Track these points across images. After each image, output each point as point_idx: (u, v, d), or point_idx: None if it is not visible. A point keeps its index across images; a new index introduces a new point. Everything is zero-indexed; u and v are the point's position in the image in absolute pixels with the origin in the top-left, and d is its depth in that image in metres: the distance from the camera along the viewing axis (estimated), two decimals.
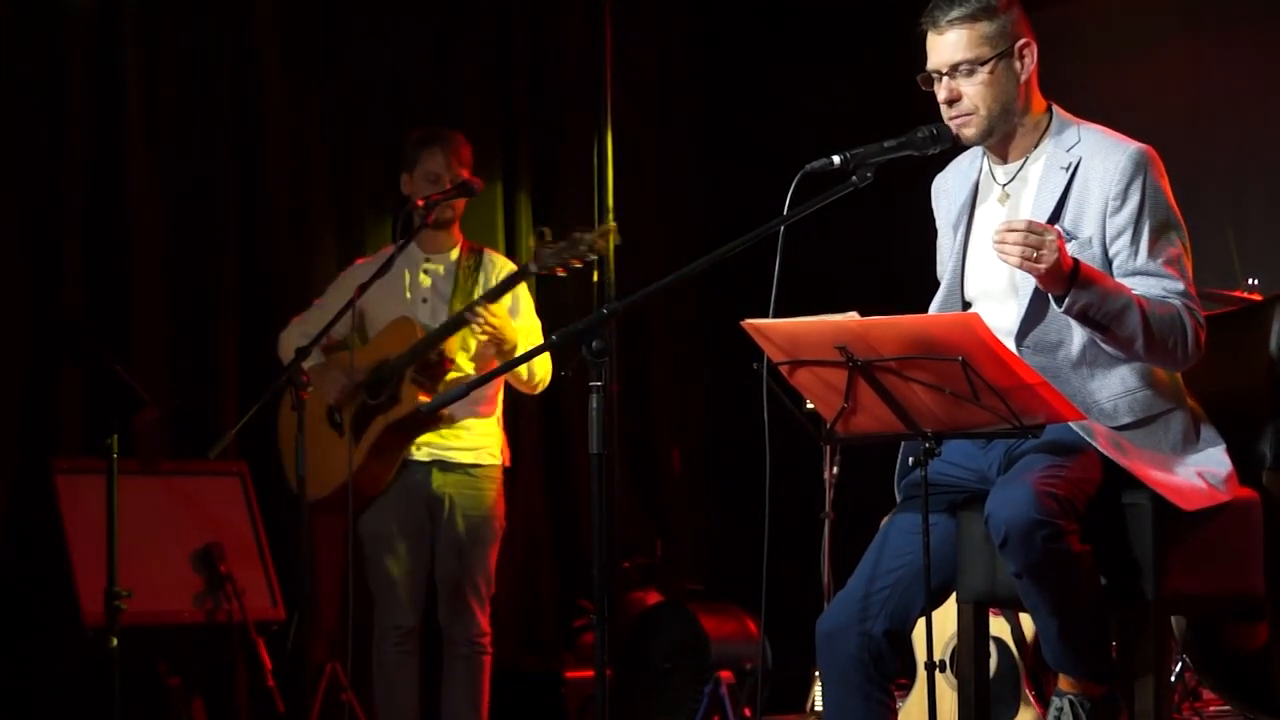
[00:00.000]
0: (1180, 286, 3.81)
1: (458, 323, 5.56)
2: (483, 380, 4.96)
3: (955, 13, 3.86)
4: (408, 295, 5.81)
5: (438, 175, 5.77)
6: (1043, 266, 3.63)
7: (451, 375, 5.66)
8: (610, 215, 7.07)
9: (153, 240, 6.71)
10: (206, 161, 6.87)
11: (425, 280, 5.82)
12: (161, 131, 6.76)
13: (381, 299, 5.76)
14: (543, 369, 5.78)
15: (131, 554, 5.62)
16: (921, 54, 3.94)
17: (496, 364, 5.58)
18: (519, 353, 5.60)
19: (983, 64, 3.87)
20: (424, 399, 5.59)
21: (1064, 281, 3.67)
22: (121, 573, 5.32)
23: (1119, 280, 3.80)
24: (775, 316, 3.70)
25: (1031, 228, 3.64)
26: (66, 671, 6.04)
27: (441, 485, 5.73)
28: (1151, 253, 3.81)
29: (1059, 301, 3.70)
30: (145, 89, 6.72)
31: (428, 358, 5.63)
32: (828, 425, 3.80)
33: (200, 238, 6.83)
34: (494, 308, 5.51)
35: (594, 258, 5.58)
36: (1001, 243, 3.65)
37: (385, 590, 5.77)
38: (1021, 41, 3.90)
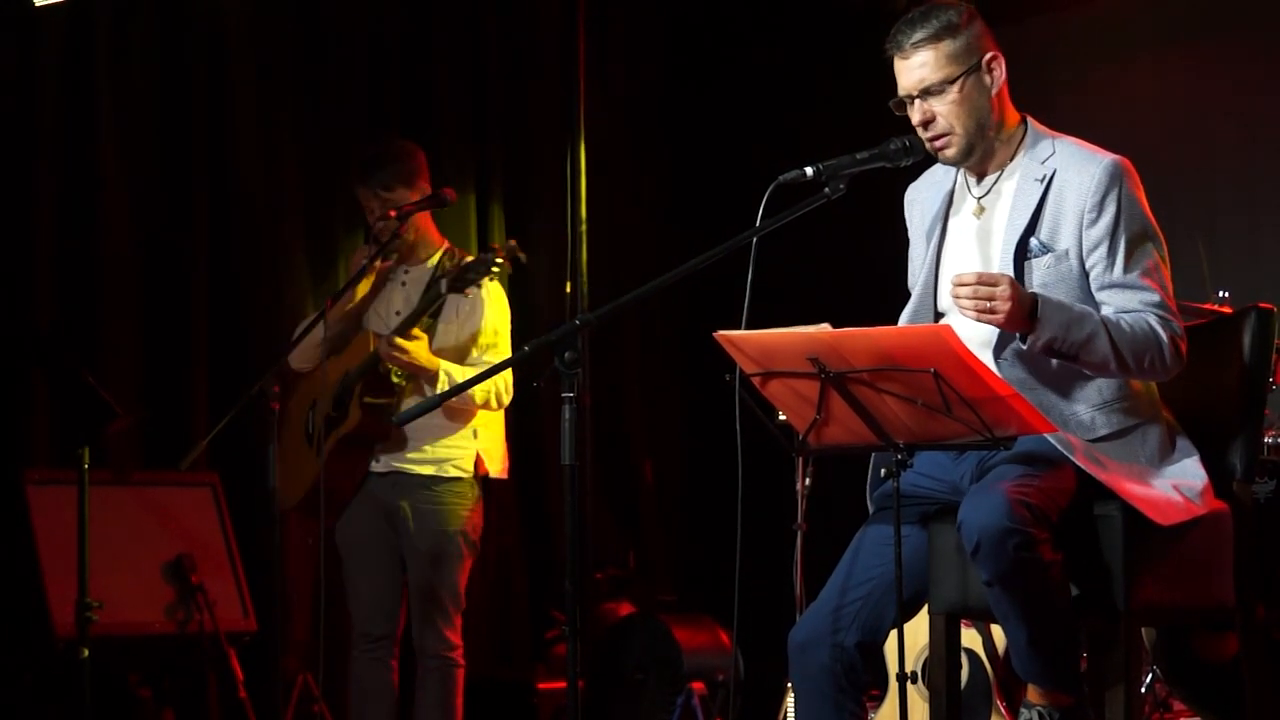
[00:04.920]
0: (1156, 298, 3.82)
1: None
2: (450, 394, 4.96)
3: (918, 35, 3.87)
4: (386, 307, 5.80)
5: (372, 209, 5.72)
6: (999, 317, 3.65)
7: (408, 389, 5.64)
8: (583, 224, 7.07)
9: (124, 251, 6.70)
10: (178, 172, 6.86)
11: (398, 294, 5.80)
12: (134, 142, 6.75)
13: (374, 310, 5.78)
14: (500, 386, 5.73)
15: (103, 565, 5.61)
16: (890, 80, 3.95)
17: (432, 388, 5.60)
18: (443, 375, 5.58)
19: (952, 82, 3.87)
20: (370, 412, 5.59)
21: (1026, 321, 3.69)
22: (93, 584, 5.30)
23: (1095, 292, 3.83)
24: (748, 328, 3.70)
25: (981, 279, 3.67)
26: (37, 682, 6.01)
27: (398, 499, 5.67)
28: (1128, 265, 3.82)
29: (1023, 340, 3.72)
30: (118, 99, 6.71)
31: (377, 372, 5.61)
32: (800, 437, 3.80)
33: (172, 248, 6.82)
34: (405, 341, 5.49)
35: (496, 271, 5.47)
36: (956, 298, 3.68)
37: (355, 598, 5.76)
38: (989, 55, 3.91)
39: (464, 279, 5.48)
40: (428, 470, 5.68)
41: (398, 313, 5.73)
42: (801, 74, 7.79)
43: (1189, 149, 6.88)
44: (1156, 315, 3.80)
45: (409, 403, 5.60)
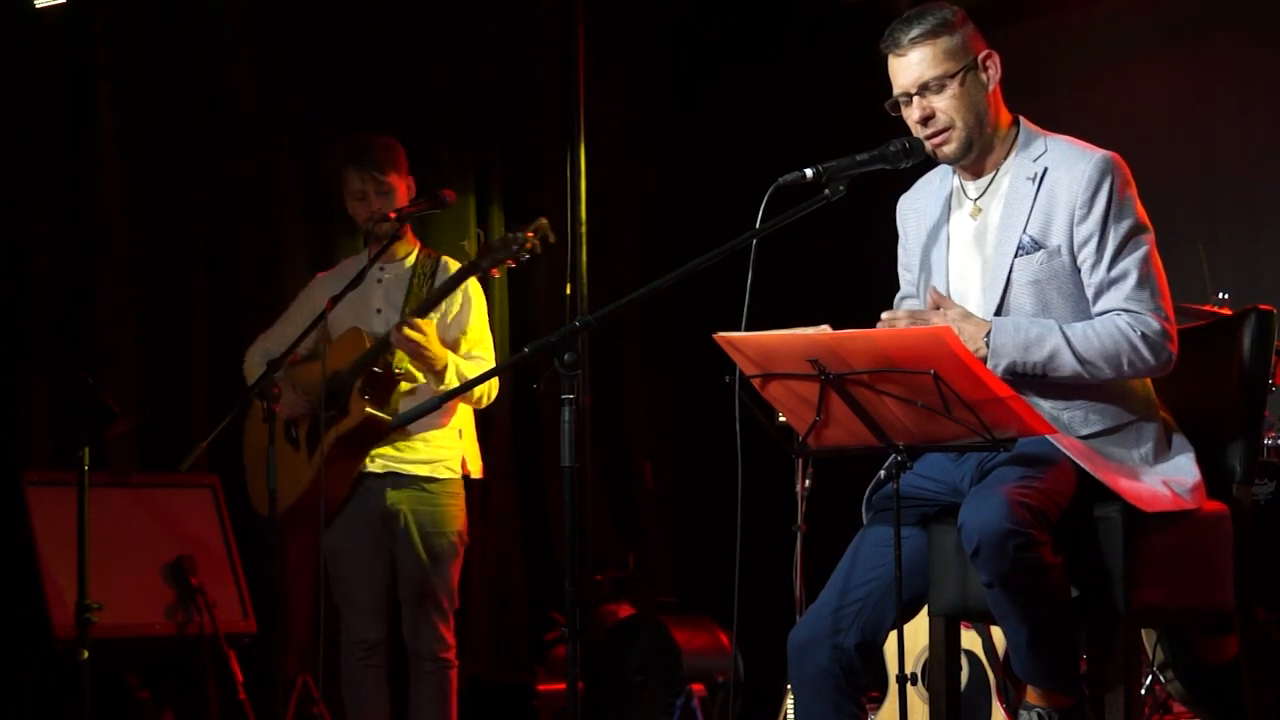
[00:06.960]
0: (1134, 291, 3.81)
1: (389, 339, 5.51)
2: (455, 394, 4.94)
3: (916, 31, 3.89)
4: (363, 305, 5.74)
5: (363, 193, 5.67)
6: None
7: (405, 386, 5.60)
8: (583, 226, 7.07)
9: (123, 252, 6.70)
10: (177, 173, 6.86)
11: (378, 291, 5.75)
12: (132, 144, 6.75)
13: (342, 311, 5.67)
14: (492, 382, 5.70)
15: (102, 566, 5.61)
16: (885, 80, 3.95)
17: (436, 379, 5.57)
18: (452, 368, 5.53)
19: (952, 77, 3.89)
20: (371, 410, 5.51)
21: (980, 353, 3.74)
22: (92, 585, 5.30)
23: (1089, 293, 3.83)
24: (748, 329, 3.70)
25: (914, 317, 3.77)
26: (37, 684, 6.02)
27: (395, 500, 5.61)
28: (1116, 261, 3.82)
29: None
30: (118, 99, 6.71)
31: (373, 369, 5.57)
32: (800, 438, 3.80)
33: (171, 250, 6.82)
34: (421, 323, 5.41)
35: (526, 257, 5.39)
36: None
37: (349, 604, 5.69)
38: (984, 53, 3.93)
39: (496, 258, 5.39)
40: (423, 470, 5.65)
41: (378, 310, 5.70)
42: (801, 75, 7.79)
43: (1189, 149, 6.88)
44: (1128, 314, 3.79)
45: (406, 401, 5.57)
